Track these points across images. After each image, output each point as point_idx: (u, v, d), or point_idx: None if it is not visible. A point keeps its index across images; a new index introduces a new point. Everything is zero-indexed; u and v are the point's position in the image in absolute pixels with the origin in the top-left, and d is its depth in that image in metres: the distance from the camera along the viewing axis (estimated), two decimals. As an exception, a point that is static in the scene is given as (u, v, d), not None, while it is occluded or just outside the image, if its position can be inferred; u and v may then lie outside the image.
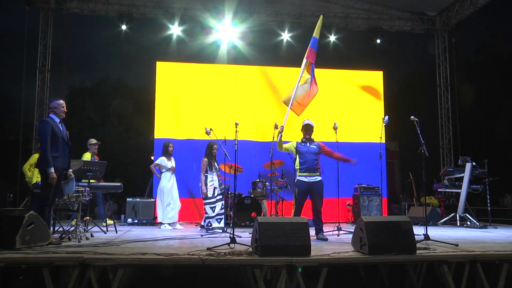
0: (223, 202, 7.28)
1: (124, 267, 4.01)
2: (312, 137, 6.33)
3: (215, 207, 7.19)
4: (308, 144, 6.23)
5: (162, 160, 8.01)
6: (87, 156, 8.25)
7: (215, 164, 7.39)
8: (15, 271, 4.46)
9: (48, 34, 11.47)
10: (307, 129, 6.29)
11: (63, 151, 5.29)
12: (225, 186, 7.79)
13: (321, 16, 7.38)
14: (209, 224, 7.14)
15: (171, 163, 8.07)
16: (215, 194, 7.22)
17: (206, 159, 7.29)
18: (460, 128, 12.70)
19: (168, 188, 7.93)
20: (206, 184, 7.20)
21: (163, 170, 8.00)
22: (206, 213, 7.23)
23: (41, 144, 5.21)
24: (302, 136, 6.33)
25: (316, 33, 7.13)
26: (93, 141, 8.54)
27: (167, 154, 8.05)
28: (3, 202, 12.20)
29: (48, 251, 4.24)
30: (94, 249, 4.54)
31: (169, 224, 7.86)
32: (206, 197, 7.22)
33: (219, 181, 7.37)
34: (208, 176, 7.24)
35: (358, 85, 10.94)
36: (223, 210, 7.25)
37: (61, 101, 5.41)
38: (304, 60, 6.94)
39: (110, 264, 4.07)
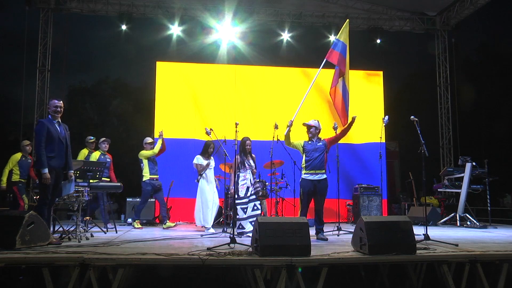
0: (256, 203, 6.80)
1: (124, 267, 4.01)
2: (320, 136, 6.34)
3: (246, 208, 6.71)
4: (315, 142, 6.24)
5: (198, 159, 7.48)
6: (84, 152, 8.15)
7: (250, 161, 6.96)
8: (15, 271, 4.46)
9: (48, 34, 11.48)
10: (309, 128, 6.30)
11: (59, 151, 5.30)
12: (262, 186, 7.13)
13: (348, 20, 7.18)
14: (240, 227, 6.63)
15: (208, 162, 7.47)
16: (248, 194, 6.75)
17: (237, 157, 6.74)
18: (460, 128, 12.71)
19: (206, 190, 7.35)
20: (237, 183, 6.72)
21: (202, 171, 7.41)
22: (237, 214, 6.68)
23: (36, 145, 5.31)
24: (308, 136, 6.33)
25: (342, 37, 6.84)
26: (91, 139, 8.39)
27: (205, 153, 7.51)
28: (3, 202, 12.18)
29: (48, 251, 4.24)
30: (94, 249, 4.54)
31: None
32: (238, 197, 6.70)
33: (254, 180, 6.92)
34: (241, 174, 6.79)
35: (358, 85, 10.92)
36: (258, 212, 6.73)
37: (54, 101, 5.40)
38: (324, 60, 6.83)
39: (110, 264, 4.07)
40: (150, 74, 10.62)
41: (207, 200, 7.30)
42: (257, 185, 6.99)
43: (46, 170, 5.13)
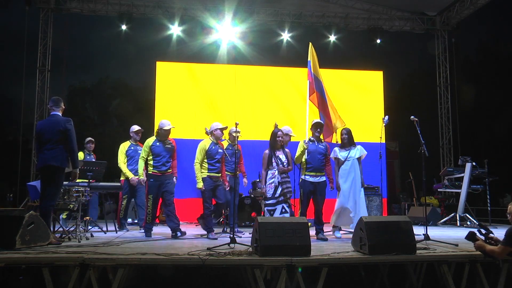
0: (284, 205, 6.07)
1: (124, 267, 4.01)
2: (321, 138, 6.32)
3: (274, 210, 5.99)
4: (316, 144, 6.18)
5: (334, 152, 6.43)
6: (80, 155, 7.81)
7: (281, 157, 6.16)
8: (15, 271, 4.46)
9: (48, 34, 11.48)
10: (317, 127, 6.25)
11: None
12: (288, 187, 6.22)
13: (310, 43, 7.18)
14: None
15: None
16: (276, 195, 6.03)
17: (267, 151, 6.16)
18: (460, 128, 12.71)
19: (343, 188, 6.29)
20: (265, 182, 6.11)
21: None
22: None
23: (74, 144, 5.19)
24: (311, 135, 6.29)
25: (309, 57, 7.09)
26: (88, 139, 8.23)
27: (342, 142, 6.46)
28: (3, 202, 12.20)
29: (48, 251, 4.24)
30: (94, 249, 4.54)
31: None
32: (265, 198, 6.12)
33: (281, 178, 6.10)
34: (269, 172, 6.10)
35: (358, 85, 10.93)
36: (286, 215, 6.01)
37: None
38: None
39: (110, 264, 4.07)
40: (150, 74, 10.63)
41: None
42: (288, 185, 6.21)
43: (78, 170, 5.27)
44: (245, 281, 4.66)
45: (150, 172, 6.32)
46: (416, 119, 5.94)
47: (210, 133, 6.43)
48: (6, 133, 22.69)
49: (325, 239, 5.87)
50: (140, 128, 7.77)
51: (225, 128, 6.55)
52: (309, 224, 4.71)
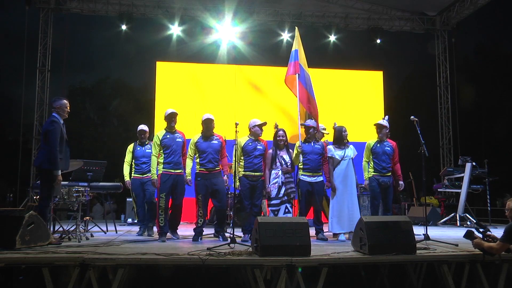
0: (288, 205, 6.08)
1: (124, 267, 4.01)
2: (316, 137, 6.28)
3: (278, 210, 6.01)
4: (312, 144, 6.14)
5: (329, 150, 6.19)
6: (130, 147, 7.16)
7: (284, 156, 6.13)
8: (15, 271, 4.46)
9: (48, 34, 11.48)
10: (308, 129, 6.24)
11: (65, 153, 5.23)
12: (292, 187, 6.19)
13: (296, 27, 7.26)
14: None
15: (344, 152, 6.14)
16: (280, 195, 6.05)
17: (271, 151, 6.12)
18: (460, 128, 12.71)
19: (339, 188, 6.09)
20: (269, 182, 6.05)
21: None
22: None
23: (51, 145, 5.03)
24: (305, 136, 6.27)
25: (295, 46, 7.10)
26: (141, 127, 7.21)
27: (340, 141, 6.21)
28: (3, 202, 12.21)
29: (48, 251, 4.24)
30: (94, 249, 4.54)
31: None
32: (269, 198, 6.07)
33: (284, 178, 6.08)
34: (273, 172, 6.05)
35: (358, 85, 10.93)
36: (289, 215, 6.02)
37: (65, 101, 5.32)
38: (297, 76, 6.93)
39: (110, 264, 4.06)
40: (150, 74, 10.65)
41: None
42: (292, 185, 6.18)
43: (60, 172, 5.08)
44: (245, 281, 4.66)
45: (197, 171, 6.01)
46: (416, 119, 5.93)
47: (249, 130, 6.23)
48: (6, 133, 22.70)
49: (325, 239, 5.86)
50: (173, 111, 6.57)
51: (264, 124, 6.22)
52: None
